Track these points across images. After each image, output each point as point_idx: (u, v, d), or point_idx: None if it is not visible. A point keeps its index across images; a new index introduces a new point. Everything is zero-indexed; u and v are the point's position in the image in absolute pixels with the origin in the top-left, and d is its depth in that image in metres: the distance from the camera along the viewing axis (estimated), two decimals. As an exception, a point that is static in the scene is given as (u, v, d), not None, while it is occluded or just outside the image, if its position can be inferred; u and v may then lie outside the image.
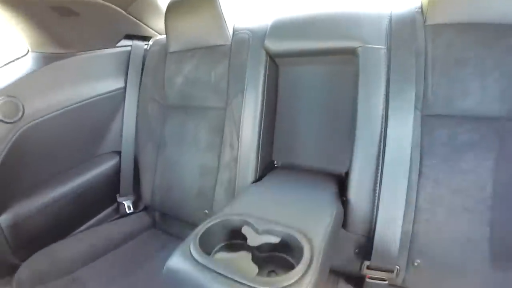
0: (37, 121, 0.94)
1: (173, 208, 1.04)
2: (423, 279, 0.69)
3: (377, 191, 0.70)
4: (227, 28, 0.94)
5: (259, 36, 0.90)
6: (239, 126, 0.88)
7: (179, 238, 0.99)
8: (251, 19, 0.98)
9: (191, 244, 0.50)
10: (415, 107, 0.68)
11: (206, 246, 0.50)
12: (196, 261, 0.47)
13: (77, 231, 1.10)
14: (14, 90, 0.90)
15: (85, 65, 1.08)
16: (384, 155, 0.69)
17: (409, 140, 0.67)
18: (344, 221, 0.75)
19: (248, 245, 0.52)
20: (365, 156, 0.72)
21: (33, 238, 0.96)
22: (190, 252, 0.49)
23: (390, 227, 0.67)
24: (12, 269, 0.85)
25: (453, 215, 0.65)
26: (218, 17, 0.92)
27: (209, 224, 0.56)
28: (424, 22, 0.70)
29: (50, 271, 0.84)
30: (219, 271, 0.44)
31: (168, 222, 1.07)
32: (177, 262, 0.48)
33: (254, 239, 0.52)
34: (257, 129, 0.86)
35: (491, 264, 0.63)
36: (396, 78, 0.69)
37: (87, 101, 1.07)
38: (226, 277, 0.43)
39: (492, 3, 0.63)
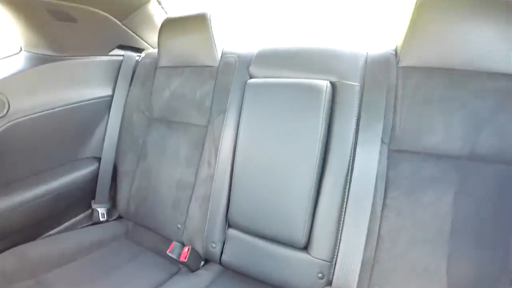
0: (21, 119, 0.95)
1: (146, 219, 1.04)
2: None
3: (342, 219, 0.73)
4: (216, 50, 0.99)
5: (245, 61, 0.94)
6: (218, 145, 0.91)
7: (151, 250, 1.00)
8: (239, 44, 1.03)
9: None
10: (383, 141, 0.73)
11: None
12: None
13: (48, 233, 1.08)
14: (1, 87, 0.91)
15: (75, 70, 1.10)
16: (350, 185, 0.73)
17: (374, 172, 0.71)
18: (309, 245, 0.77)
19: None
20: (334, 185, 0.75)
21: (2, 237, 0.94)
22: None
23: (352, 254, 0.70)
24: None
25: (413, 246, 0.68)
26: (209, 40, 0.97)
27: None
28: (397, 63, 0.75)
29: (16, 272, 0.83)
30: None
31: (140, 233, 1.07)
32: None
33: None
34: (233, 149, 0.88)
35: None
36: (366, 114, 0.75)
37: (73, 105, 1.08)
38: None
39: (459, 50, 0.69)
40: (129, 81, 1.19)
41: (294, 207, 0.78)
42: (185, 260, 0.86)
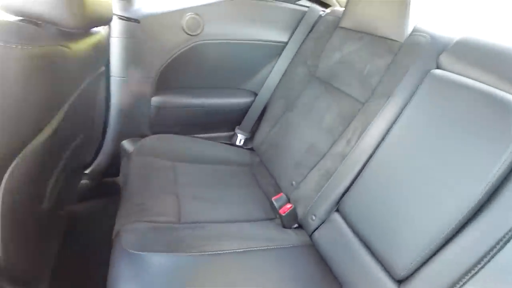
0: (208, 41, 1.14)
1: (270, 162, 1.12)
2: None
3: (463, 281, 0.55)
4: (407, 25, 0.85)
5: (437, 46, 0.77)
6: (365, 128, 0.83)
7: (262, 189, 1.08)
8: (436, 24, 0.85)
9: None
10: None
11: None
12: None
13: (194, 135, 1.31)
14: (201, 11, 1.10)
15: (263, 10, 1.20)
16: (500, 250, 0.53)
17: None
18: (404, 282, 0.64)
19: None
20: (478, 239, 0.56)
21: (165, 123, 1.23)
22: None
23: None
24: (142, 135, 1.16)
25: None
26: (403, 10, 0.84)
27: None
28: None
29: (162, 150, 1.07)
30: None
31: (261, 171, 1.16)
32: None
33: None
34: (379, 141, 0.79)
35: None
36: None
37: (251, 41, 1.21)
38: None
39: None
40: (307, 34, 1.20)
41: (416, 235, 0.63)
42: (283, 215, 0.89)
